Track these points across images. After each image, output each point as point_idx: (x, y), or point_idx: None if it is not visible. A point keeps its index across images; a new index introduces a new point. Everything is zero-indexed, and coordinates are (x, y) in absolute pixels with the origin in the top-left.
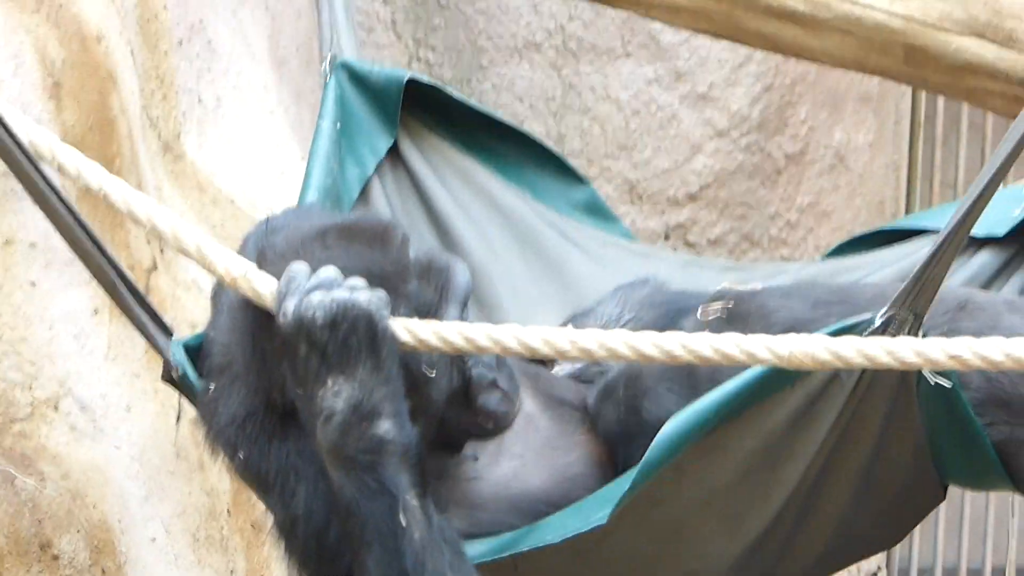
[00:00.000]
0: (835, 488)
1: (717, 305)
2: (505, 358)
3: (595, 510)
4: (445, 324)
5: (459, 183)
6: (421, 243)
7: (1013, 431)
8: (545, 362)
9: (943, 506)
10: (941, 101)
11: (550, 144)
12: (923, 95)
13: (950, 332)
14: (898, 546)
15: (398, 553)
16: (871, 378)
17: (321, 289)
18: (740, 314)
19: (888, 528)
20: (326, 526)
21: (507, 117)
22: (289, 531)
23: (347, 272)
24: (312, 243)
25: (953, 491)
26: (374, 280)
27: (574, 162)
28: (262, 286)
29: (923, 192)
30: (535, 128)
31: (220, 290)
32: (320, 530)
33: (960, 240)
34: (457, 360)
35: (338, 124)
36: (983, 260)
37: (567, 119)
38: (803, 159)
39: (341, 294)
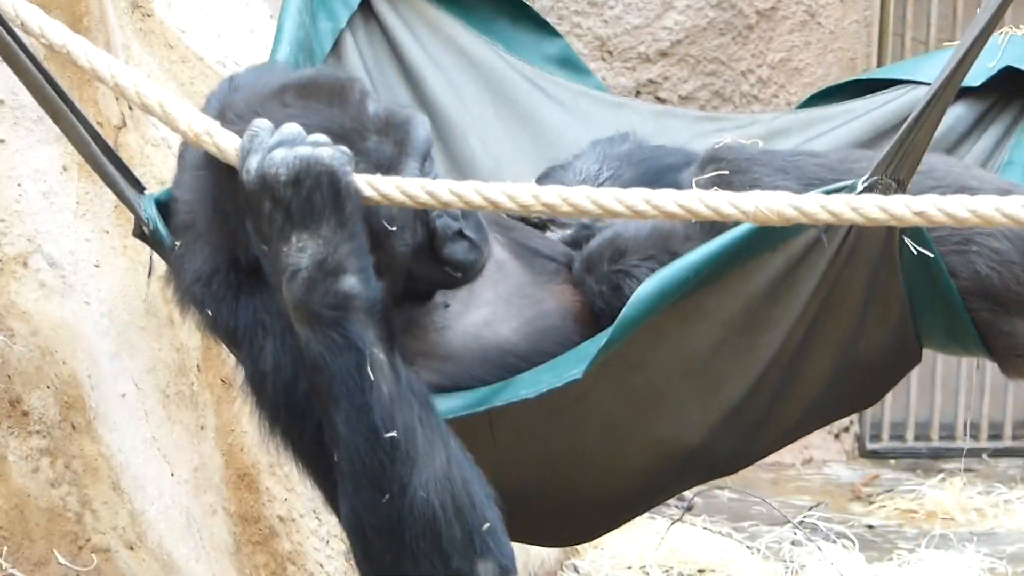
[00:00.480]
0: (816, 355)
1: (711, 172)
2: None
3: (570, 366)
4: (408, 179)
5: (431, 36)
6: (389, 96)
7: (997, 320)
8: (542, 226)
9: None
10: None
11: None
12: None
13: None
14: None
15: (367, 408)
16: (853, 244)
17: (284, 146)
18: (734, 188)
19: (866, 391)
20: (294, 380)
21: None
22: (258, 386)
23: (307, 130)
24: (270, 101)
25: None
26: (332, 137)
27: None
28: (225, 143)
29: (894, 48)
30: None
31: (185, 149)
32: (288, 384)
33: (945, 103)
34: (420, 213)
35: None
36: (958, 113)
37: None
38: (774, 15)
39: (304, 150)
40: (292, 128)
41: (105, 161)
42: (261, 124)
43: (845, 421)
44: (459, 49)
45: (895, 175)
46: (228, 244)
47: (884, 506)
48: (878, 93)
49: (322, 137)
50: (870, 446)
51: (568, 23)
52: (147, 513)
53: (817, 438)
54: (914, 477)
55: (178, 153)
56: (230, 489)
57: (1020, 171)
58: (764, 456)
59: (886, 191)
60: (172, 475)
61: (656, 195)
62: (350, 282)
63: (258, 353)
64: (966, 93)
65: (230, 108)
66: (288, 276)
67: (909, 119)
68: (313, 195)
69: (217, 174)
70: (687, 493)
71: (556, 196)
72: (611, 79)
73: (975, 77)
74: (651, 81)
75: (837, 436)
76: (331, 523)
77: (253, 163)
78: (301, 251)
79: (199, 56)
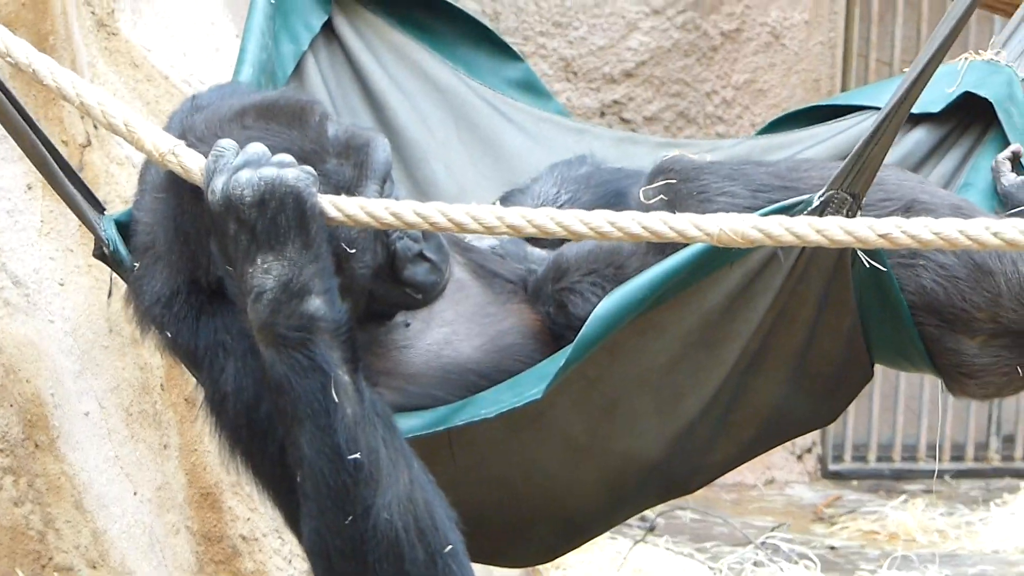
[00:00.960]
0: (771, 368)
1: (659, 182)
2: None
3: (530, 385)
4: (372, 200)
5: (393, 60)
6: (351, 120)
7: (943, 336)
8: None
9: (878, 384)
10: None
11: (485, 21)
12: None
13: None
14: (833, 423)
15: (331, 429)
16: (808, 259)
17: (249, 167)
18: (681, 195)
19: (821, 408)
20: (256, 401)
21: None
22: (219, 407)
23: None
24: (231, 123)
25: (888, 371)
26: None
27: (509, 40)
28: (190, 163)
29: (859, 70)
30: (470, 6)
31: (145, 169)
32: (249, 405)
33: (899, 121)
34: (381, 234)
35: (272, 0)
36: (918, 137)
37: None
38: (739, 37)
39: (268, 171)
40: (257, 148)
41: (66, 181)
42: (226, 144)
43: (807, 442)
44: (422, 73)
45: (850, 189)
46: (188, 265)
47: (846, 527)
48: (840, 119)
49: (287, 158)
50: (832, 467)
51: (533, 44)
52: (110, 532)
53: (779, 459)
54: (876, 498)
55: (139, 174)
56: (193, 508)
57: (977, 193)
58: (722, 473)
59: (841, 205)
60: (135, 494)
61: (620, 217)
62: (315, 304)
63: (219, 374)
64: (926, 118)
65: (191, 130)
66: (253, 297)
67: (865, 134)
68: (278, 217)
69: (179, 195)
70: (649, 513)
71: (520, 218)
72: (576, 100)
73: (934, 103)
74: (615, 102)
75: (800, 457)
76: (294, 543)
77: (218, 184)
78: (266, 272)
79: (164, 75)
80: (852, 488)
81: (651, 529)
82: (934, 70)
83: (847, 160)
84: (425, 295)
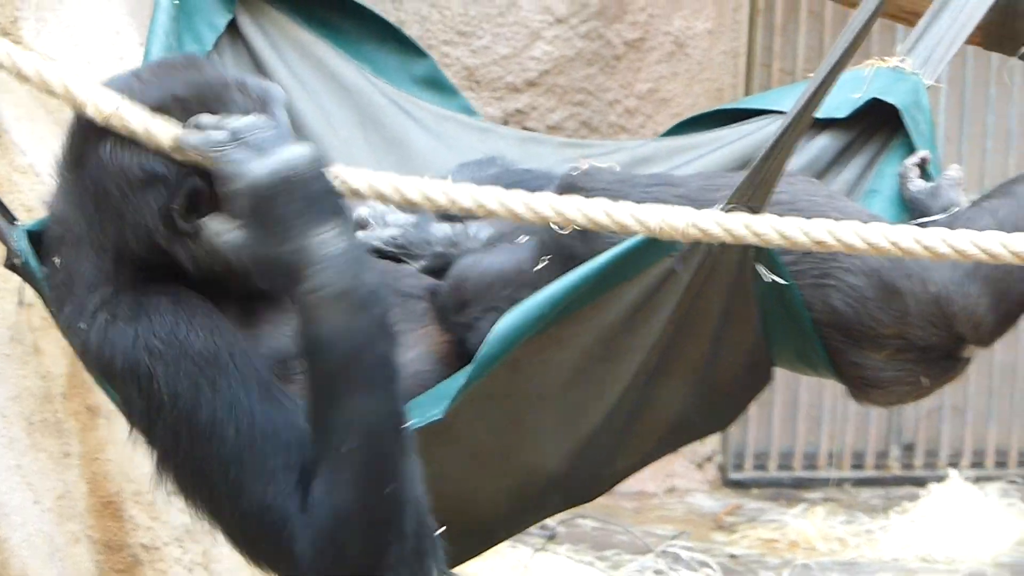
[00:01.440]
0: (673, 380)
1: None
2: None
3: (431, 406)
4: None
5: (298, 58)
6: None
7: (848, 350)
8: (397, 259)
9: (779, 392)
10: None
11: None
12: None
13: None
14: (733, 431)
15: (391, 397)
16: (707, 273)
17: (260, 148)
18: None
19: (721, 413)
20: (194, 406)
21: None
22: (152, 415)
23: (172, 97)
24: (130, 81)
25: (791, 378)
26: (200, 97)
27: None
28: (135, 121)
29: (762, 79)
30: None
31: (58, 166)
32: (188, 412)
33: (799, 133)
34: None
35: (176, 1)
36: (823, 144)
37: (407, 5)
38: (642, 46)
39: (289, 155)
40: (252, 122)
41: None
42: (206, 120)
43: (708, 451)
44: (328, 72)
45: (751, 203)
46: (116, 236)
47: (747, 535)
48: (744, 122)
49: (281, 131)
50: (733, 476)
51: (436, 52)
52: (11, 541)
53: (680, 468)
54: (776, 507)
55: (56, 172)
56: (94, 517)
57: (882, 200)
58: (623, 479)
59: None
60: (36, 503)
61: (562, 202)
62: (373, 276)
63: (147, 383)
64: (831, 124)
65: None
66: (318, 267)
67: (764, 149)
68: (310, 195)
69: (97, 165)
70: (550, 521)
71: (467, 196)
72: (479, 109)
73: (840, 108)
74: (519, 111)
75: (700, 466)
76: (195, 551)
77: (256, 167)
78: (323, 244)
79: None
80: (752, 496)
81: (552, 537)
82: (834, 82)
83: (747, 174)
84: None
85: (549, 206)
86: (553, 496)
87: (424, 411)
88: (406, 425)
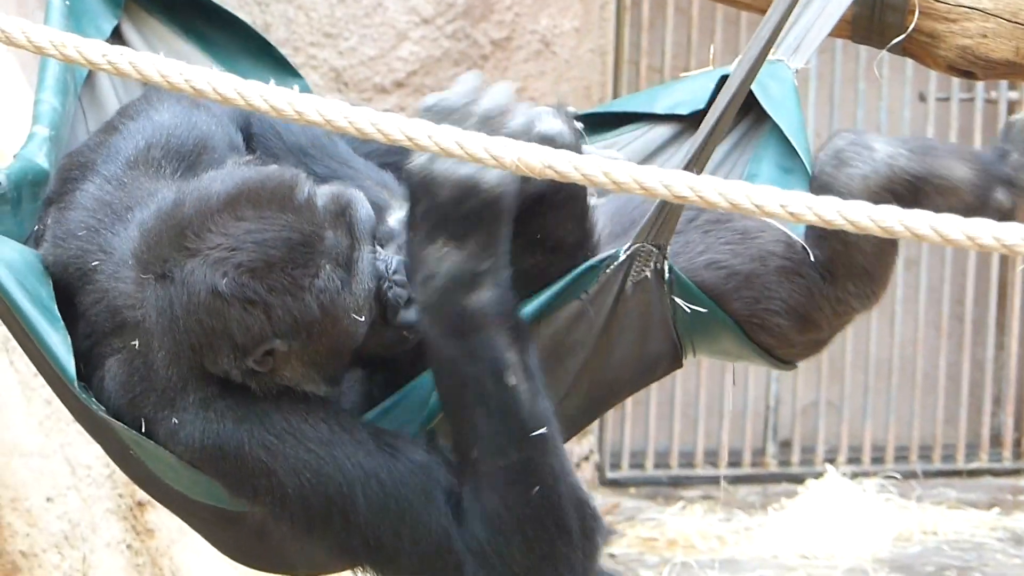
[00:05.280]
0: (578, 398)
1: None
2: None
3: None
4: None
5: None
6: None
7: (758, 333)
8: None
9: (654, 392)
10: None
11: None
12: None
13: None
14: (610, 430)
15: (510, 410)
16: (622, 308)
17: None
18: None
19: (620, 395)
20: (316, 487)
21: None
22: (280, 505)
23: (265, 243)
24: (223, 215)
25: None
26: (293, 244)
27: (281, 51)
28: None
29: (630, 76)
30: (241, 17)
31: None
32: (311, 494)
33: (701, 165)
34: (375, 292)
35: (67, 2)
36: (661, 132)
37: (272, 7)
38: (509, 45)
39: (469, 171)
40: (489, 108)
41: None
42: (460, 90)
43: (585, 450)
44: None
45: (655, 241)
46: (192, 358)
47: (625, 535)
48: (617, 130)
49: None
50: (610, 475)
51: (304, 54)
52: None
53: None
54: (654, 505)
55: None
56: None
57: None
58: None
59: (648, 258)
60: None
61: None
62: (485, 296)
63: (266, 479)
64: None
65: (188, 226)
66: (424, 278)
67: (684, 161)
68: (470, 214)
69: (186, 296)
70: None
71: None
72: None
73: (683, 105)
74: (387, 111)
75: (577, 465)
76: (74, 558)
77: (422, 159)
78: (442, 259)
79: None
80: (630, 495)
81: None
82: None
83: (650, 214)
84: (416, 333)
85: (398, 128)
86: None
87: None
88: (537, 430)
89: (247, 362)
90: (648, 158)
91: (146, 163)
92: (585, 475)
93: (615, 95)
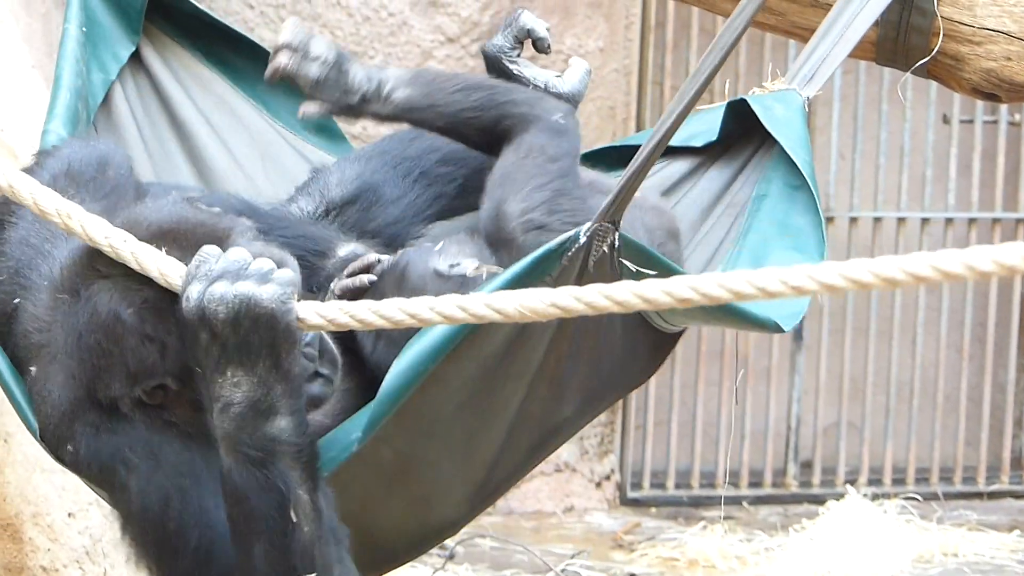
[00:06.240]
0: (568, 396)
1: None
2: (327, 342)
3: (328, 464)
4: (354, 304)
5: (201, 93)
6: (159, 150)
7: None
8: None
9: (676, 411)
10: (671, 6)
11: None
12: (653, 0)
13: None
14: (631, 450)
15: (287, 549)
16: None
17: (226, 278)
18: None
19: (632, 383)
20: (162, 516)
21: (238, 25)
22: (126, 522)
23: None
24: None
25: (688, 396)
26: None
27: None
28: (168, 269)
29: (654, 97)
30: (264, 36)
31: (35, 254)
32: (156, 522)
33: (654, 159)
34: None
35: (83, 28)
36: (679, 166)
37: None
38: (534, 64)
39: (244, 288)
40: (237, 256)
41: None
42: (210, 251)
43: (606, 469)
44: (229, 109)
45: (611, 218)
46: (89, 377)
47: (646, 554)
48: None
49: (266, 265)
50: (631, 494)
51: None
52: None
53: (578, 487)
54: (675, 525)
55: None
56: None
57: (771, 200)
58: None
59: (605, 234)
60: None
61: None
62: (280, 425)
63: (121, 493)
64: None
65: (99, 258)
66: (220, 408)
67: (629, 171)
68: (250, 336)
69: (90, 313)
70: (449, 541)
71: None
72: (372, 128)
73: (697, 138)
74: None
75: (599, 484)
76: (95, 573)
77: (194, 292)
78: (235, 387)
79: None
80: (651, 515)
81: (451, 557)
82: (689, 111)
83: (611, 195)
84: (318, 406)
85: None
86: (456, 520)
87: (326, 452)
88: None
89: (136, 391)
90: (667, 192)
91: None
92: (606, 494)
93: (639, 115)
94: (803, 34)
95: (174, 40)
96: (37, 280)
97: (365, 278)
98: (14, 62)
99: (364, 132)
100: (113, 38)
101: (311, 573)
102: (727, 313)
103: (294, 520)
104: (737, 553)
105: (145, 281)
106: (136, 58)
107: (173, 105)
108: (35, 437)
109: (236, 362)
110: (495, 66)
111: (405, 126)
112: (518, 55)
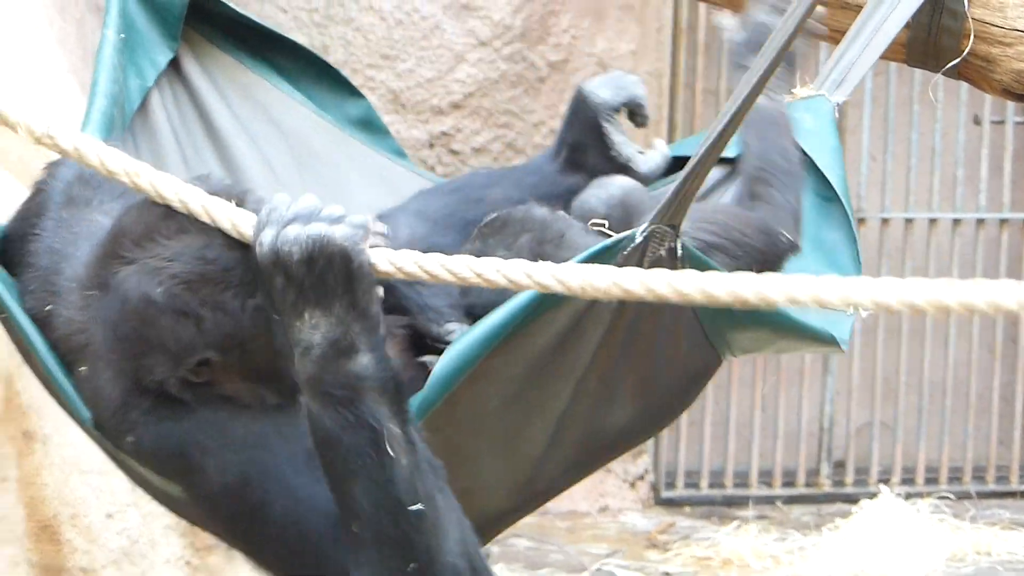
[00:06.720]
0: (619, 398)
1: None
2: None
3: None
4: (427, 256)
5: (239, 99)
6: (194, 157)
7: None
8: None
9: (709, 411)
10: (703, 9)
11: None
12: (684, 3)
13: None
14: (665, 450)
15: (388, 483)
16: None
17: (298, 222)
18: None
19: (670, 411)
20: (243, 492)
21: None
22: (209, 503)
23: (201, 260)
24: (167, 225)
25: (721, 397)
26: (232, 263)
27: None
28: (240, 219)
29: (685, 99)
30: (299, 40)
31: (61, 254)
32: (240, 498)
33: (713, 159)
34: None
35: (121, 35)
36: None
37: (330, 30)
38: (566, 67)
39: (317, 228)
40: (308, 202)
41: None
42: (280, 199)
43: (640, 470)
44: (268, 115)
45: (670, 222)
46: (132, 367)
47: (680, 553)
48: (675, 176)
49: (337, 211)
50: (665, 494)
51: (362, 76)
52: None
53: (612, 487)
54: (709, 525)
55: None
56: (32, 540)
57: (807, 215)
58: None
59: (663, 237)
60: None
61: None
62: (363, 362)
63: (198, 476)
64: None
65: (127, 236)
66: (301, 351)
67: (685, 172)
68: (326, 275)
69: (120, 301)
70: None
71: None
72: (404, 132)
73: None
74: (444, 133)
75: (632, 485)
76: (133, 573)
77: (267, 238)
78: (314, 328)
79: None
80: (685, 515)
81: (487, 556)
82: (741, 120)
83: (666, 197)
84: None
85: (467, 267)
86: (499, 520)
87: None
88: (413, 507)
89: (181, 371)
90: (701, 198)
91: (73, 200)
92: (640, 494)
93: (671, 117)
94: (834, 36)
95: (214, 45)
96: (65, 284)
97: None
98: (49, 66)
99: (397, 135)
100: (151, 44)
101: (415, 504)
102: (790, 328)
103: (391, 454)
104: (771, 552)
105: (170, 258)
106: (175, 65)
107: (210, 113)
108: (86, 429)
109: (313, 303)
110: (586, 116)
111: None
112: (616, 116)
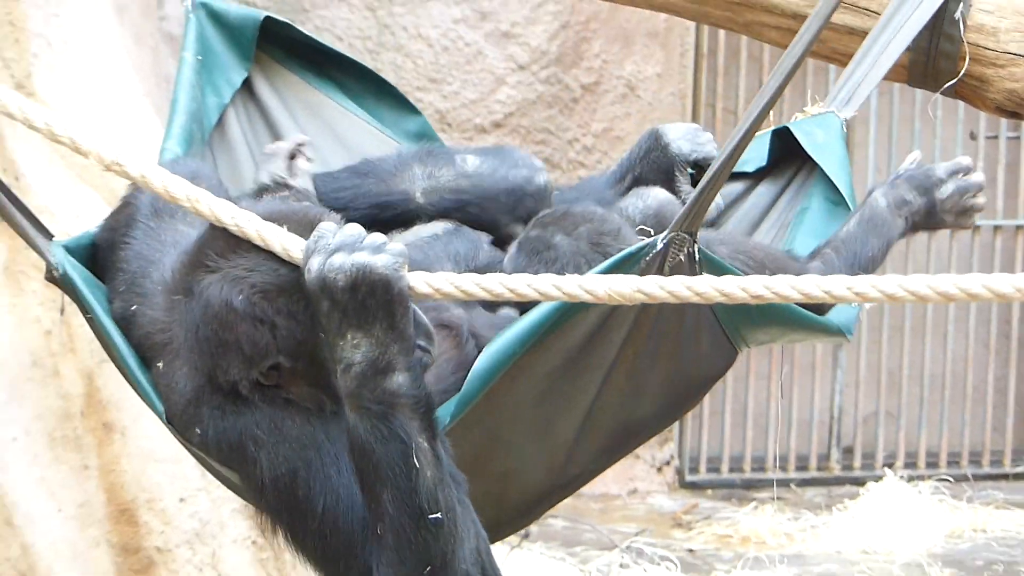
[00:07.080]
0: (644, 388)
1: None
2: (420, 315)
3: None
4: (460, 276)
5: (306, 117)
6: None
7: None
8: None
9: (729, 402)
10: (722, 35)
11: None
12: (706, 29)
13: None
14: (689, 438)
15: (412, 492)
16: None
17: (343, 251)
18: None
19: (685, 404)
20: (291, 485)
21: None
22: (259, 494)
23: (278, 272)
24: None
25: (739, 389)
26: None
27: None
28: (290, 244)
29: (707, 118)
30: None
31: (149, 264)
32: (288, 491)
33: (725, 174)
34: None
35: (199, 56)
36: (735, 188)
37: (382, 56)
38: (597, 89)
39: (360, 258)
40: (352, 231)
41: (13, 210)
42: (327, 227)
43: (666, 455)
44: (334, 132)
45: (688, 229)
46: (208, 368)
47: (703, 532)
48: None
49: (379, 239)
50: (689, 478)
51: (411, 98)
52: (37, 546)
53: (641, 471)
54: (729, 506)
55: (127, 246)
56: (112, 523)
57: (813, 213)
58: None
59: (683, 243)
60: (59, 511)
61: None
62: (398, 380)
63: (253, 467)
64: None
65: (212, 248)
66: (343, 368)
67: (702, 183)
68: (367, 301)
69: (203, 306)
70: None
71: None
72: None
73: (749, 163)
74: None
75: (659, 469)
76: (204, 553)
77: (315, 264)
78: (355, 348)
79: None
80: (707, 496)
81: (526, 536)
82: (754, 133)
83: (685, 206)
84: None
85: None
86: (534, 504)
87: None
88: (433, 515)
89: (254, 374)
90: (722, 212)
91: (160, 212)
92: (666, 478)
93: None
94: (842, 59)
95: (283, 65)
96: (151, 287)
97: None
98: (127, 91)
99: None
100: (227, 65)
101: (436, 513)
102: (799, 322)
103: (417, 466)
104: (786, 531)
105: (251, 269)
106: (248, 84)
107: (280, 128)
108: (162, 421)
109: (355, 325)
110: (661, 160)
111: None
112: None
